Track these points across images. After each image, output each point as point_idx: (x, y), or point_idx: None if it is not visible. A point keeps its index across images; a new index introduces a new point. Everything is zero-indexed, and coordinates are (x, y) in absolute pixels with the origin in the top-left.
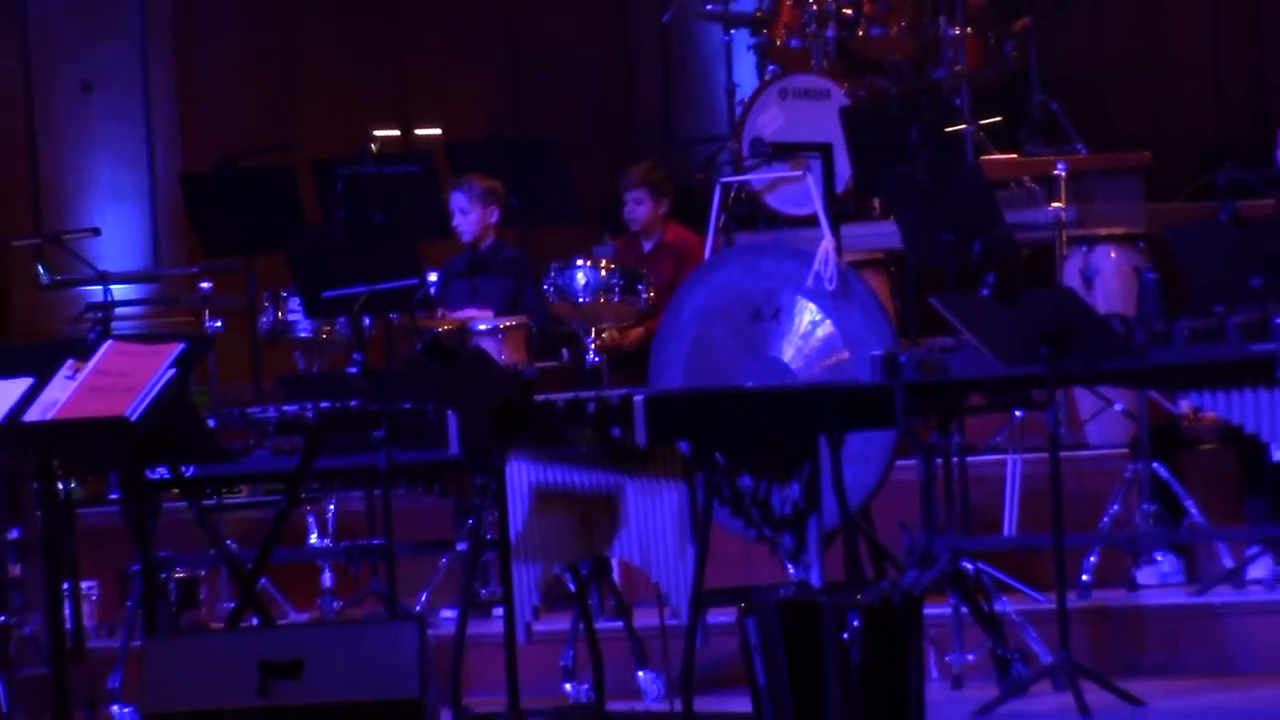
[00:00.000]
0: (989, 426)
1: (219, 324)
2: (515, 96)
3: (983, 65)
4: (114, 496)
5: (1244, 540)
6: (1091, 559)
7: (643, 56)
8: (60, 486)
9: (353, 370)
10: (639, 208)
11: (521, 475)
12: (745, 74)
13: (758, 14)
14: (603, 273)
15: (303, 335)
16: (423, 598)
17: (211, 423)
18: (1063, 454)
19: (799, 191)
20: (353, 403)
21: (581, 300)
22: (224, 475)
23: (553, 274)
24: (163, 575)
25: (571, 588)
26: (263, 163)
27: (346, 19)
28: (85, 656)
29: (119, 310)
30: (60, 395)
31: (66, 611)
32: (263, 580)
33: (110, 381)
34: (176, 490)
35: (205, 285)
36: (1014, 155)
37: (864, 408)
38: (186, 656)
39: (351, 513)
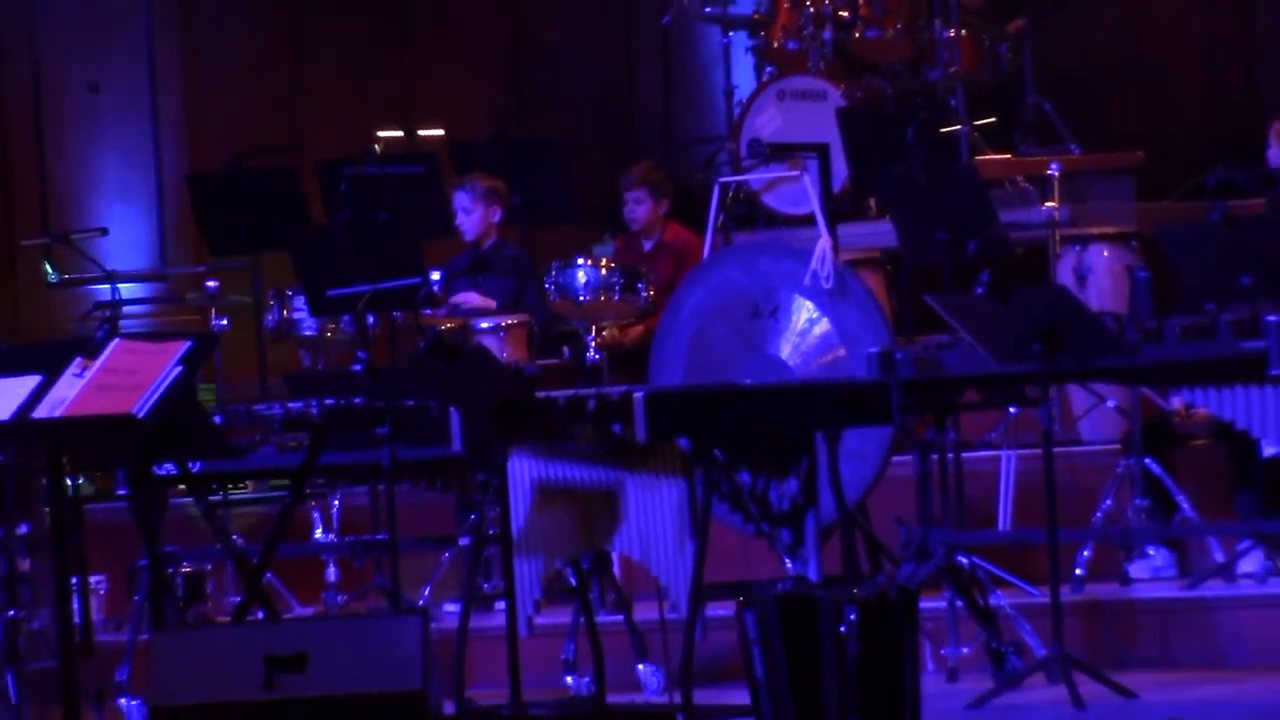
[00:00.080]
0: (984, 423)
1: (225, 322)
2: (517, 97)
3: (977, 67)
4: (121, 492)
5: (1235, 535)
6: (1084, 553)
7: (643, 58)
8: (68, 483)
9: (357, 368)
10: (639, 207)
11: (523, 471)
12: (743, 75)
13: (756, 16)
14: (603, 271)
15: (307, 333)
16: (426, 592)
17: (218, 419)
18: (1056, 450)
19: (796, 191)
20: (357, 400)
21: (582, 298)
22: (230, 471)
23: (554, 273)
24: (170, 570)
25: (572, 582)
26: (268, 163)
27: (349, 20)
28: (93, 650)
29: (126, 309)
30: (68, 393)
31: (75, 606)
32: (268, 575)
33: (118, 379)
34: (183, 486)
35: (211, 284)
36: (1008, 155)
37: (860, 404)
38: (193, 650)
39: (355, 508)
